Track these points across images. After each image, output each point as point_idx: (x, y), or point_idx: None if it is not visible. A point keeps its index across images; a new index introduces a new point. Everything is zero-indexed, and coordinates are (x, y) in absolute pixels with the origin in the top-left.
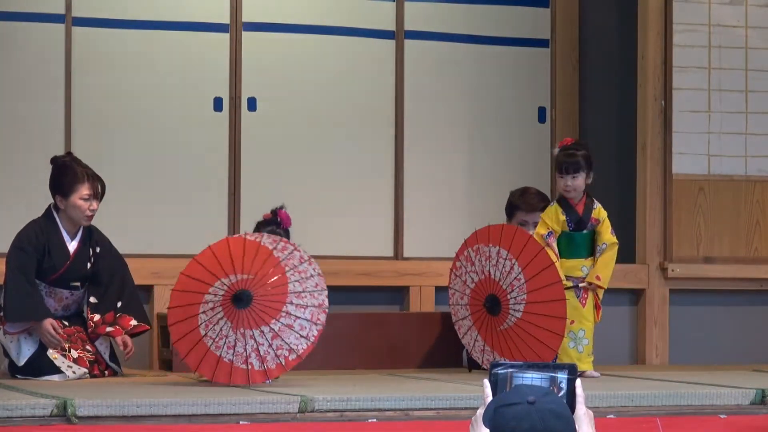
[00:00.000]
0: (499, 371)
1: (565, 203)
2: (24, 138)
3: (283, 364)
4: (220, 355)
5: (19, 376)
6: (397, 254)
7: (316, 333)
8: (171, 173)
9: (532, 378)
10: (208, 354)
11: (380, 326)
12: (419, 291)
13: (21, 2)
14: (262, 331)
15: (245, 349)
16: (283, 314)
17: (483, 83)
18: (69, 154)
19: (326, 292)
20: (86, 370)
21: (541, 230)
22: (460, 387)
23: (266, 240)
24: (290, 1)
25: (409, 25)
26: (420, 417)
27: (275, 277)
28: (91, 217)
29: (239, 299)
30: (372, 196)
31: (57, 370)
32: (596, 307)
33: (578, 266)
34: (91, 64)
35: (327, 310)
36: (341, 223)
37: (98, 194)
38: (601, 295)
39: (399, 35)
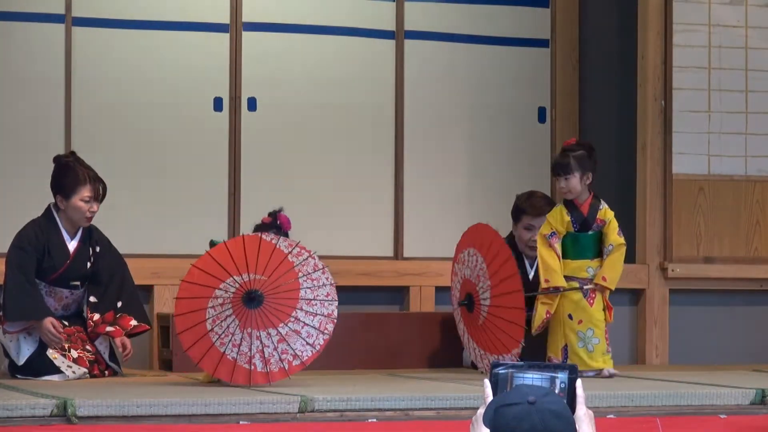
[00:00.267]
0: (500, 371)
1: (570, 204)
2: (24, 138)
3: (286, 368)
4: (224, 352)
5: (19, 376)
6: (397, 254)
7: (322, 342)
8: (171, 173)
9: (533, 378)
10: (212, 349)
11: (380, 326)
12: (419, 291)
13: (21, 2)
14: (269, 334)
15: (250, 349)
16: (292, 319)
17: (483, 83)
18: (72, 153)
19: (336, 303)
20: (86, 370)
21: (545, 230)
22: (460, 387)
23: (282, 243)
24: (290, 1)
25: (409, 25)
26: (420, 417)
27: (288, 282)
28: (91, 218)
29: (251, 298)
30: (372, 196)
31: (57, 370)
32: (607, 307)
33: (584, 267)
34: (91, 64)
35: (336, 321)
36: (341, 223)
37: (99, 196)
38: (606, 296)
39: (399, 35)
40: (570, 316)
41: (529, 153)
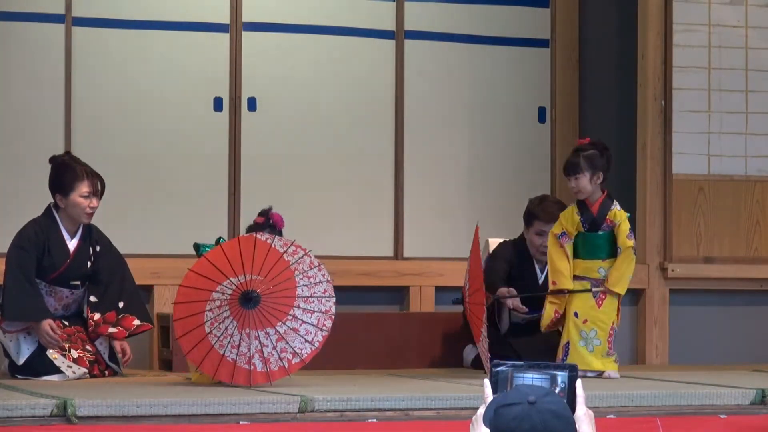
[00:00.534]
0: (500, 371)
1: (582, 204)
2: (24, 138)
3: (286, 367)
4: (224, 353)
5: (19, 376)
6: (397, 254)
7: (321, 339)
8: (171, 173)
9: (533, 378)
10: (212, 352)
11: (380, 326)
12: (419, 291)
13: (21, 2)
14: (267, 333)
15: (249, 350)
16: (290, 317)
17: (483, 83)
18: (67, 153)
19: (334, 299)
20: (86, 370)
21: (556, 230)
22: (460, 387)
23: (277, 243)
24: (290, 1)
25: (409, 25)
26: (420, 417)
27: (284, 280)
28: (92, 214)
29: (247, 299)
30: (372, 196)
31: (57, 370)
32: (614, 309)
33: (595, 267)
34: (91, 64)
35: (333, 317)
36: (341, 223)
37: (98, 191)
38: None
39: (399, 35)
40: (576, 314)
41: (529, 153)
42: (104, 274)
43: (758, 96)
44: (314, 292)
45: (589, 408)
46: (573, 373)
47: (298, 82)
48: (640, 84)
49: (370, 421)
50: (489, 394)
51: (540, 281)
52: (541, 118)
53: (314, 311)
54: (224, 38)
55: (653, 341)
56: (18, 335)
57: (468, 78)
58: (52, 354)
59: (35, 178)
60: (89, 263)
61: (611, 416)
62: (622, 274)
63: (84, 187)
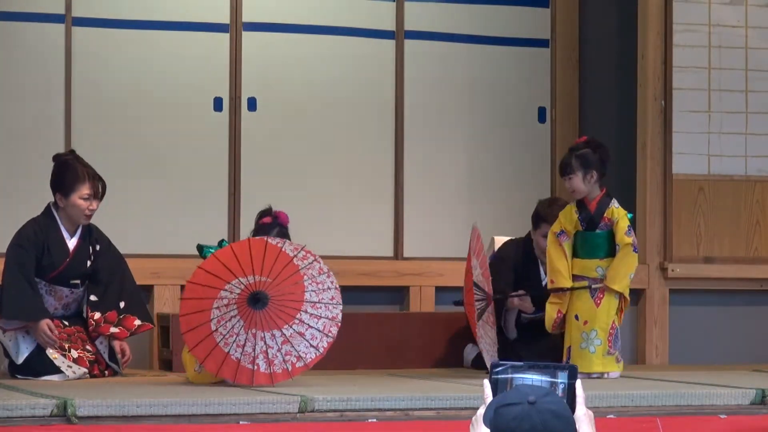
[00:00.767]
0: (500, 371)
1: (580, 202)
2: (24, 138)
3: (290, 370)
4: (228, 352)
5: (19, 376)
6: (397, 254)
7: (326, 344)
8: (171, 173)
9: (533, 378)
10: (216, 349)
11: (380, 326)
12: (419, 291)
13: (21, 2)
14: (273, 335)
15: (254, 350)
16: (297, 321)
17: (483, 83)
18: (72, 152)
19: (341, 307)
20: (86, 370)
21: (555, 228)
22: (460, 387)
23: (287, 247)
24: (290, 1)
25: (409, 25)
26: (420, 417)
27: (293, 284)
28: (90, 216)
29: (256, 300)
30: (372, 196)
31: (57, 370)
32: (619, 310)
33: (593, 266)
34: (91, 64)
35: (339, 324)
36: (341, 223)
37: (98, 194)
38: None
39: (399, 35)
40: (576, 317)
41: (529, 153)
42: (104, 273)
43: (758, 96)
44: (322, 298)
45: (589, 408)
46: (573, 373)
47: (298, 82)
48: (640, 84)
49: (370, 421)
50: (489, 395)
51: (544, 282)
52: (541, 118)
53: (321, 317)
54: (224, 38)
55: (653, 341)
56: (17, 334)
57: (468, 78)
58: (52, 354)
59: (35, 178)
60: (89, 262)
61: (611, 416)
62: (619, 271)
63: (85, 189)
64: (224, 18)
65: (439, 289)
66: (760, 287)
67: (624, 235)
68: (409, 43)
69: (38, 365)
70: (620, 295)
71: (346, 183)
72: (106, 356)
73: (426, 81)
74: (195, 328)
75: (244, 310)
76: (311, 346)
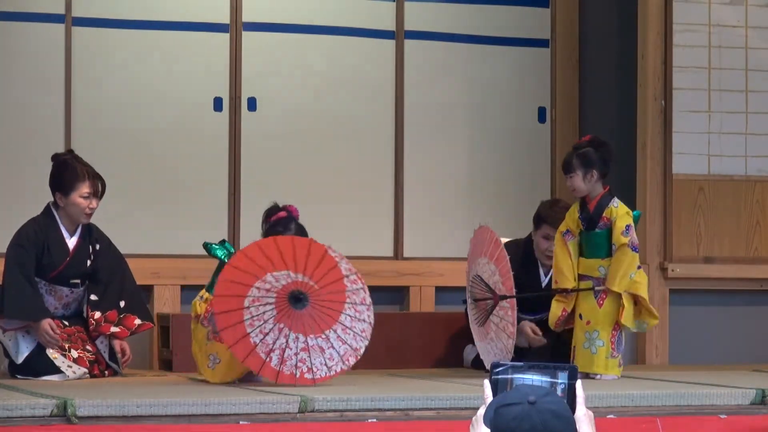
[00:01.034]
0: (500, 371)
1: (582, 201)
2: (24, 138)
3: (297, 376)
4: (250, 333)
5: (19, 376)
6: (397, 254)
7: (339, 369)
8: (171, 173)
9: (533, 378)
10: (240, 325)
11: (380, 326)
12: (419, 291)
13: (21, 2)
14: (297, 338)
15: (274, 343)
16: (323, 336)
17: (483, 83)
18: (70, 152)
19: (367, 342)
20: (86, 370)
21: (562, 227)
22: (460, 387)
23: (343, 263)
24: (290, 1)
25: (409, 25)
26: (420, 417)
27: (334, 301)
28: (90, 215)
29: (297, 299)
30: (372, 196)
31: (57, 370)
32: (620, 308)
33: (596, 266)
34: (91, 64)
35: (359, 358)
36: (341, 223)
37: (98, 193)
38: (623, 299)
39: (399, 35)
40: (581, 316)
41: (529, 153)
42: (104, 272)
43: (758, 96)
44: (354, 326)
45: (589, 408)
46: (573, 373)
47: (298, 82)
48: (640, 84)
49: (370, 421)
50: (489, 395)
51: (543, 284)
52: (541, 118)
53: (346, 342)
54: (224, 38)
55: (653, 341)
56: (17, 334)
57: (468, 78)
58: (52, 354)
59: (35, 178)
60: (89, 261)
61: (611, 416)
62: (617, 273)
63: (85, 188)
64: (224, 18)
65: (439, 289)
66: (760, 287)
67: (620, 235)
68: (409, 43)
69: (38, 365)
70: (636, 297)
71: (346, 183)
72: (106, 356)
73: (426, 81)
74: (229, 296)
75: (281, 303)
76: (325, 365)
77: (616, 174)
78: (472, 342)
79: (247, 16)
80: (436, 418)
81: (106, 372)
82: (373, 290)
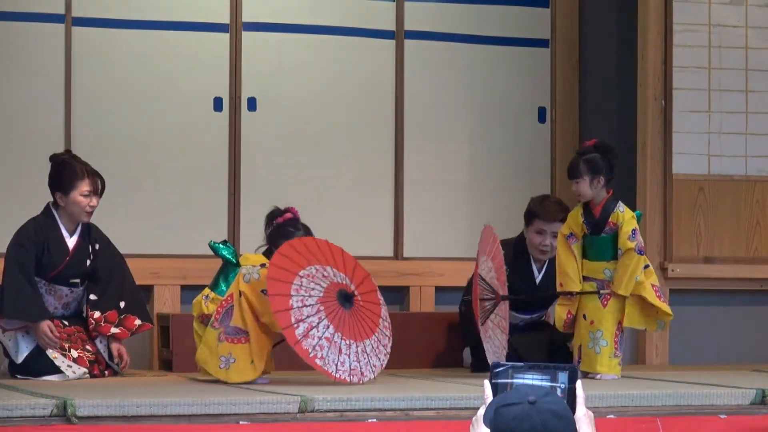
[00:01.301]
0: (500, 372)
1: (586, 206)
2: (24, 137)
3: (310, 355)
4: (292, 295)
5: (18, 376)
6: (397, 254)
7: (340, 377)
8: (171, 173)
9: (533, 378)
10: (286, 285)
11: None
12: (419, 291)
13: (21, 2)
14: (328, 326)
15: (307, 318)
16: (348, 342)
17: (483, 83)
18: (68, 151)
19: (375, 376)
20: (86, 370)
21: (565, 230)
22: (460, 387)
23: (380, 295)
24: (290, 1)
25: (409, 25)
26: (420, 417)
27: (371, 321)
28: (91, 213)
29: (346, 298)
30: (372, 196)
31: (57, 370)
32: (620, 309)
33: (600, 269)
34: (91, 64)
35: (363, 382)
36: (341, 223)
37: (98, 190)
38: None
39: (399, 35)
40: (584, 316)
41: (529, 153)
42: (104, 272)
43: (758, 96)
44: (378, 353)
45: (589, 408)
46: (573, 373)
47: (298, 82)
48: (640, 84)
49: (370, 421)
50: (489, 395)
51: (537, 280)
52: (541, 118)
53: (360, 362)
54: (224, 38)
55: (653, 341)
56: (16, 333)
57: (468, 78)
58: (52, 354)
59: (35, 178)
60: (88, 261)
61: (611, 416)
62: (623, 276)
63: (84, 186)
64: (224, 18)
65: (439, 289)
66: (760, 287)
67: (626, 240)
68: (409, 43)
69: (38, 365)
70: (642, 298)
71: (346, 183)
72: (106, 356)
73: (426, 81)
74: (289, 256)
75: (330, 294)
76: (336, 367)
77: (616, 174)
78: (469, 344)
79: (247, 16)
80: (436, 418)
81: (106, 372)
82: None
